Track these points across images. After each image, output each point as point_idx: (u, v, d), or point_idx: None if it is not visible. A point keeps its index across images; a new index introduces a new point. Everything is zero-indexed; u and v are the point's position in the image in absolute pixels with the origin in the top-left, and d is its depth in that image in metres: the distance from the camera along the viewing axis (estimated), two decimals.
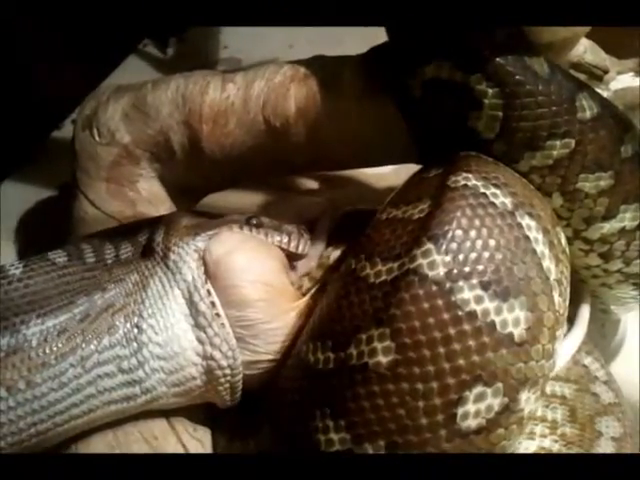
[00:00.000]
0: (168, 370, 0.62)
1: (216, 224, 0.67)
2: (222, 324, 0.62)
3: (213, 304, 0.62)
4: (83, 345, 0.60)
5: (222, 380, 0.63)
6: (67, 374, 0.59)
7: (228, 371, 0.63)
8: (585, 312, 0.71)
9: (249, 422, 0.64)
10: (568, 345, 0.68)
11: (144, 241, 0.68)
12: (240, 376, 0.64)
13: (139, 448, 0.64)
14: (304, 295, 0.67)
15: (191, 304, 0.63)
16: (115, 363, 0.61)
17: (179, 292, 0.63)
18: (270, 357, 0.63)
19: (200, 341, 0.62)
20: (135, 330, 0.62)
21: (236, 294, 0.62)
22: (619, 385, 0.73)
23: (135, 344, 0.61)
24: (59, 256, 0.66)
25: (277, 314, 0.63)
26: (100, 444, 0.64)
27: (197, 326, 0.62)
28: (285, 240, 0.69)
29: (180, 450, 0.65)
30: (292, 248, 0.69)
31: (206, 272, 0.63)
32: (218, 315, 0.62)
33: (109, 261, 0.67)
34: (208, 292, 0.62)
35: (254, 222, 0.68)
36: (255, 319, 0.62)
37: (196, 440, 0.66)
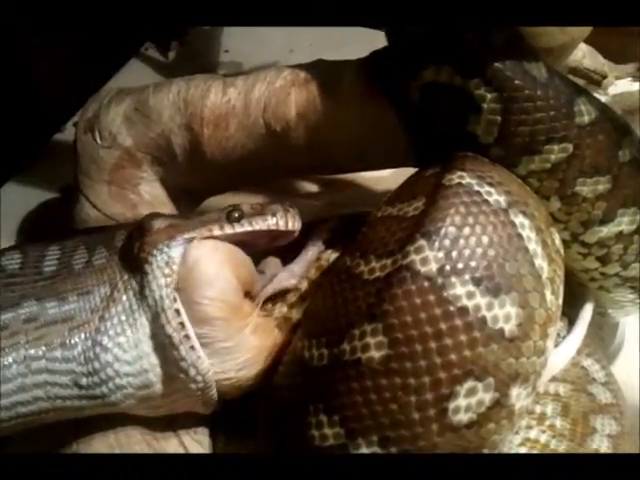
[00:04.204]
0: (137, 386, 0.60)
1: (193, 225, 0.63)
2: (191, 347, 0.59)
3: (182, 325, 0.59)
4: (27, 346, 0.59)
5: (192, 397, 0.62)
6: (11, 370, 0.58)
7: (199, 393, 0.61)
8: (586, 314, 0.72)
9: (247, 421, 0.64)
10: (567, 346, 0.68)
11: (120, 246, 0.65)
12: (213, 391, 0.62)
13: (140, 449, 0.64)
14: (302, 298, 0.67)
15: (158, 327, 0.60)
16: (70, 377, 0.59)
17: (148, 309, 0.60)
18: (225, 376, 0.62)
19: (167, 363, 0.60)
20: (97, 349, 0.59)
21: (197, 311, 0.60)
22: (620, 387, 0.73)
23: (97, 364, 0.59)
24: (11, 263, 0.65)
25: (232, 333, 0.61)
26: (101, 445, 0.64)
27: (165, 347, 0.60)
28: (273, 222, 0.65)
29: (181, 452, 0.65)
30: (282, 227, 0.65)
31: (177, 285, 0.60)
32: (187, 337, 0.59)
33: (78, 266, 0.65)
34: (177, 312, 0.59)
35: (235, 215, 0.64)
36: (212, 337, 0.60)
37: (197, 442, 0.66)
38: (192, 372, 0.60)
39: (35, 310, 0.61)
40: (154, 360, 0.61)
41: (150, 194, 0.79)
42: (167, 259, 0.61)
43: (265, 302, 0.68)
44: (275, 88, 0.74)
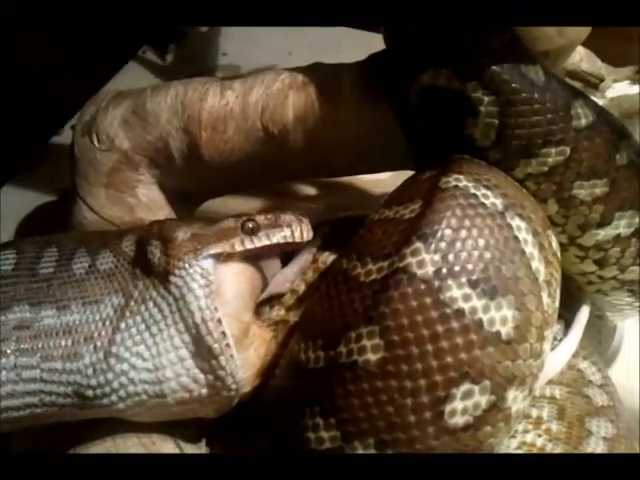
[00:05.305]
0: (153, 394, 0.59)
1: (216, 237, 0.63)
2: (231, 356, 0.59)
3: (224, 334, 0.59)
4: (17, 354, 0.58)
5: (208, 405, 0.62)
6: (0, 375, 0.57)
7: (226, 400, 0.61)
8: (583, 317, 0.72)
9: (245, 426, 0.64)
10: (563, 349, 0.68)
11: (130, 252, 0.64)
12: (237, 399, 0.62)
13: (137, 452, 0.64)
14: (300, 300, 0.67)
15: (196, 338, 0.59)
16: (72, 389, 0.58)
17: (181, 320, 0.59)
18: None
19: (202, 371, 0.59)
20: (112, 360, 0.58)
21: None
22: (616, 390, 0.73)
23: (110, 375, 0.58)
24: (4, 263, 0.63)
25: (239, 350, 0.61)
26: (98, 449, 0.64)
27: (200, 357, 0.59)
28: (288, 234, 0.65)
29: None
30: (297, 239, 0.65)
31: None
32: (228, 346, 0.59)
33: (79, 271, 0.63)
34: (219, 321, 0.59)
35: (250, 227, 0.64)
36: None
37: (194, 446, 0.66)
38: (229, 381, 0.60)
39: (28, 317, 0.60)
40: (180, 370, 0.59)
41: (148, 197, 0.79)
42: (201, 270, 0.60)
43: (262, 305, 0.68)
44: (273, 91, 0.74)
